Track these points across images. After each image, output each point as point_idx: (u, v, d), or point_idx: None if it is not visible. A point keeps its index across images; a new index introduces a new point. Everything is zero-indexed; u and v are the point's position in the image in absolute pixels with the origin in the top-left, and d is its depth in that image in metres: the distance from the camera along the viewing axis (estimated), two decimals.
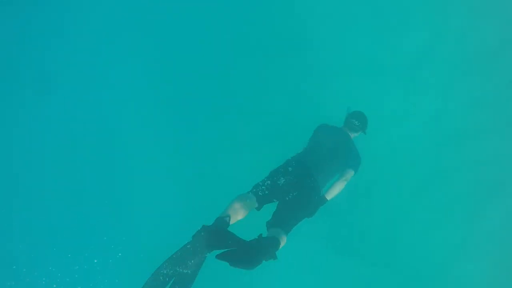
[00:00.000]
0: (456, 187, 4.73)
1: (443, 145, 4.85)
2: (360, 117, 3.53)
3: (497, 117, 4.78)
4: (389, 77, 5.05)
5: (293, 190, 2.84)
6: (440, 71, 5.01)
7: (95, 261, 4.26)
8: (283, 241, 2.63)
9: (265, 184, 2.84)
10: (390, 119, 4.89)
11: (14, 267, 4.61)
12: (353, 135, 3.50)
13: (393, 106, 4.96)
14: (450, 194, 4.75)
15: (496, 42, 4.86)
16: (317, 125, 3.50)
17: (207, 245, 2.33)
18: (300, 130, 3.71)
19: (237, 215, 2.58)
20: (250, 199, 2.70)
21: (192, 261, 2.34)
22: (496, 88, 4.83)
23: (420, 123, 4.94)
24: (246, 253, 2.32)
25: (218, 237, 2.36)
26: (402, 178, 4.75)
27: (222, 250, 2.34)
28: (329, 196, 3.04)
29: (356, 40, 5.17)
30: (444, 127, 4.90)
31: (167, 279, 2.35)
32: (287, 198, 2.83)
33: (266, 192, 2.80)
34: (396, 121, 4.93)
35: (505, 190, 4.65)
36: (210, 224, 2.43)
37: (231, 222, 2.52)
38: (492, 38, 4.88)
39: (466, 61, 4.93)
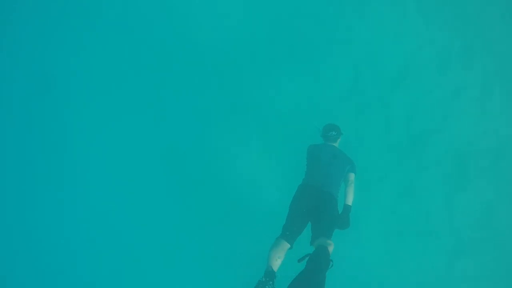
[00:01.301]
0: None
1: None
2: (332, 127, 4.01)
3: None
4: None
5: (317, 208, 3.34)
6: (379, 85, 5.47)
7: None
8: (331, 245, 3.06)
9: (292, 219, 3.35)
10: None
11: None
12: (336, 143, 3.99)
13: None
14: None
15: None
16: (307, 148, 3.94)
17: None
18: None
19: (278, 261, 3.10)
20: (283, 246, 3.19)
21: None
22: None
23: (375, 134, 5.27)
24: (311, 277, 2.76)
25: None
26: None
27: None
28: (349, 201, 3.48)
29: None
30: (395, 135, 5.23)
31: None
32: (316, 217, 3.32)
33: (295, 229, 3.29)
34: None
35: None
36: (264, 279, 2.93)
37: (276, 270, 3.04)
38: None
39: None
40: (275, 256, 3.09)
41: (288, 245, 3.22)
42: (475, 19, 5.23)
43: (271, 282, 2.90)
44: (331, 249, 3.02)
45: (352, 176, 3.66)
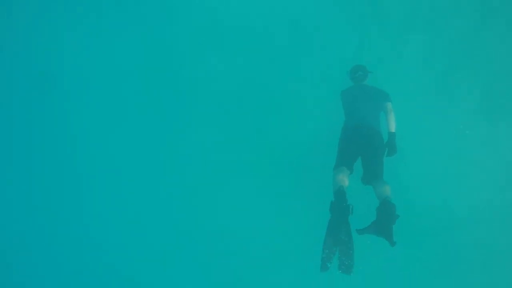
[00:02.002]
0: None
1: None
2: (358, 67, 4.16)
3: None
4: None
5: (365, 145, 3.46)
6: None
7: None
8: (388, 189, 3.16)
9: (343, 154, 3.49)
10: None
11: None
12: (365, 81, 4.14)
13: None
14: None
15: None
16: (340, 94, 4.09)
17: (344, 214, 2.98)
18: None
19: (345, 182, 3.22)
20: (344, 171, 3.31)
21: (343, 229, 2.96)
22: None
23: None
24: (382, 226, 2.89)
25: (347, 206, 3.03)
26: None
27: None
28: (392, 129, 3.55)
29: None
30: None
31: (333, 249, 2.99)
32: (366, 152, 3.45)
33: (347, 158, 3.44)
34: None
35: None
36: (335, 200, 3.05)
37: (345, 187, 3.16)
38: None
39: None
40: (340, 177, 3.21)
41: (348, 171, 3.34)
42: None
43: (343, 199, 3.02)
44: (389, 192, 3.10)
45: (389, 105, 3.73)
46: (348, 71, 4.26)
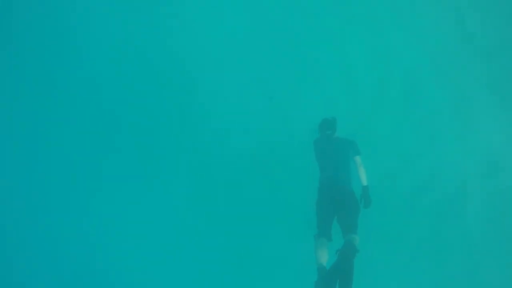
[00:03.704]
0: None
1: None
2: (327, 126, 4.23)
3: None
4: None
5: (338, 206, 3.66)
6: None
7: None
8: (357, 240, 3.40)
9: (321, 220, 3.64)
10: None
11: None
12: (334, 136, 4.22)
13: None
14: None
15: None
16: (313, 143, 4.25)
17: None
18: None
19: (325, 257, 3.39)
20: (323, 244, 3.47)
21: None
22: None
23: None
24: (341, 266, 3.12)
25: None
26: None
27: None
28: (364, 182, 3.78)
29: None
30: None
31: None
32: (339, 213, 3.64)
33: (325, 224, 3.61)
34: None
35: None
36: (317, 279, 3.22)
37: (325, 264, 3.33)
38: None
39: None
40: (321, 253, 3.41)
41: (328, 241, 3.52)
42: None
43: (325, 276, 3.21)
44: (357, 242, 3.36)
45: (358, 158, 3.93)
46: (315, 130, 4.34)
